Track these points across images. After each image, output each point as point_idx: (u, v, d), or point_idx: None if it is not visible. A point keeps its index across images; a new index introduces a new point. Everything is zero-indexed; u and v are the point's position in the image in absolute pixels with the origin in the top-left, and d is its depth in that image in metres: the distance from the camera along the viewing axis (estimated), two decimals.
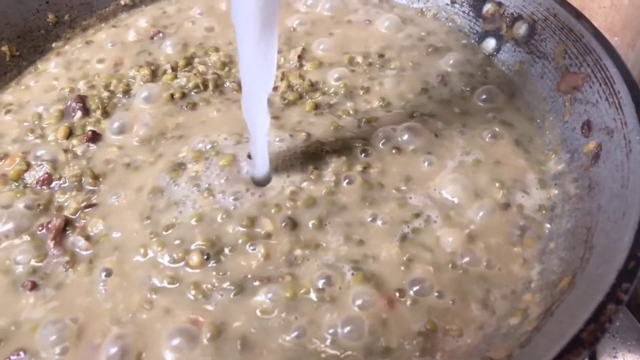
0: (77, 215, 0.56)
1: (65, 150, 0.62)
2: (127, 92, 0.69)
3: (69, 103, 0.67)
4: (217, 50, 0.74)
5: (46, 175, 0.59)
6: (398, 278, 0.49)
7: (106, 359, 0.46)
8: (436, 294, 0.49)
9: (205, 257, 0.51)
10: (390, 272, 0.50)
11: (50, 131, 0.65)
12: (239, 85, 0.67)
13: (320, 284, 0.49)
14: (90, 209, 0.57)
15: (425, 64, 0.70)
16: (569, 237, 0.51)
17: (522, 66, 0.67)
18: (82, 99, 0.67)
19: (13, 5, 0.75)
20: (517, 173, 0.58)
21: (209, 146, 0.60)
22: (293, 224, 0.53)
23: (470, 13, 0.75)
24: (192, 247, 0.52)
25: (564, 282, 0.46)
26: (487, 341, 0.46)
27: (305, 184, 0.56)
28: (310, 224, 0.53)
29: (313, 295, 0.49)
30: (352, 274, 0.50)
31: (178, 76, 0.70)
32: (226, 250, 0.52)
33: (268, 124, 0.52)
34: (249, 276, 0.50)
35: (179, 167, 0.58)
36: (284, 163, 0.58)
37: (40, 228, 0.55)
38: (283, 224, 0.53)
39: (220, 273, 0.50)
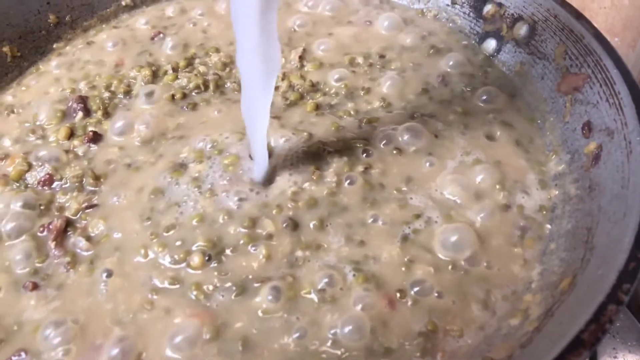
0: (78, 215, 0.56)
1: (67, 151, 0.62)
2: (128, 92, 0.69)
3: (70, 104, 0.67)
4: (217, 50, 0.75)
5: (47, 176, 0.60)
6: (399, 279, 0.50)
7: (107, 359, 0.46)
8: (437, 295, 0.49)
9: (207, 257, 0.51)
10: (391, 273, 0.50)
11: (52, 132, 0.65)
12: (240, 85, 0.67)
13: (321, 284, 0.49)
14: (91, 209, 0.57)
15: (425, 64, 0.71)
16: (569, 238, 0.51)
17: (522, 67, 0.67)
18: (83, 100, 0.67)
19: (14, 6, 0.75)
20: (518, 174, 0.58)
21: (209, 146, 0.60)
22: (294, 225, 0.53)
23: (471, 14, 0.75)
24: (194, 247, 0.52)
25: (565, 283, 0.46)
26: (488, 342, 0.46)
27: (307, 185, 0.56)
28: (311, 225, 0.53)
29: (314, 296, 0.49)
30: (353, 274, 0.50)
31: (179, 77, 0.70)
32: (227, 251, 0.52)
33: (267, 123, 0.52)
34: (251, 277, 0.50)
35: (180, 167, 0.58)
36: (284, 163, 0.58)
37: (41, 229, 0.55)
38: (284, 225, 0.53)
39: (222, 274, 0.50)
